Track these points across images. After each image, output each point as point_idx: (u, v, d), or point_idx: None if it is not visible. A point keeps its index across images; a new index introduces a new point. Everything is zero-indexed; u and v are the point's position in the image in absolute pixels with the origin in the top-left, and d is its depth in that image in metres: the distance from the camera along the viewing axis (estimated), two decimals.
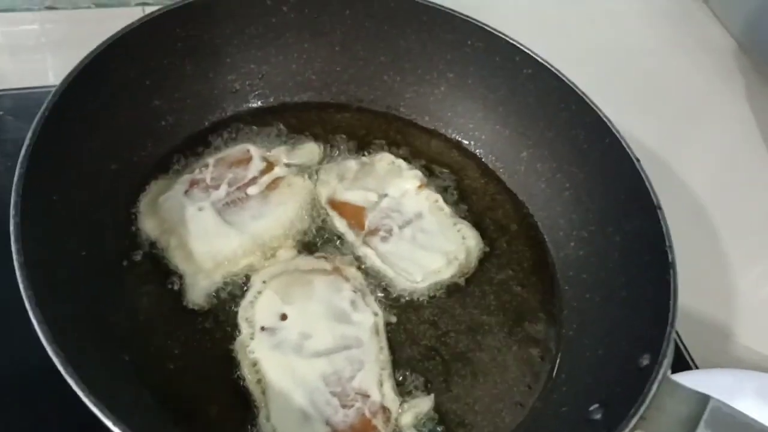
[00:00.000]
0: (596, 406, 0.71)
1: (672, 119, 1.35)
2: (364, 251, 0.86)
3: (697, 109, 1.41)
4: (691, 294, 0.97)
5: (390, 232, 0.88)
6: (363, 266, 0.85)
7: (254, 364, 0.74)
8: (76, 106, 0.75)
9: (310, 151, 0.94)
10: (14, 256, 0.61)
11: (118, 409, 0.55)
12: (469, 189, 0.96)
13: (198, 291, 0.78)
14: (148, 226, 0.82)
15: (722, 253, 1.20)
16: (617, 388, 0.71)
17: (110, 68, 0.80)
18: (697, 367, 1.02)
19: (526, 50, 0.91)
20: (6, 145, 1.01)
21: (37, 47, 1.21)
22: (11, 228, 0.62)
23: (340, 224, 0.88)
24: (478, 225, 0.92)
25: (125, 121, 0.84)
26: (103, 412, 0.54)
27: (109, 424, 0.54)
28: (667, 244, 0.76)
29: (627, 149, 0.83)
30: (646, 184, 0.81)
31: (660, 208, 0.78)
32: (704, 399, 0.64)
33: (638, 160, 0.83)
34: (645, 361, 0.69)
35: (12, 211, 0.63)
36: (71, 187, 0.74)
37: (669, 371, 0.68)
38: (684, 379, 0.71)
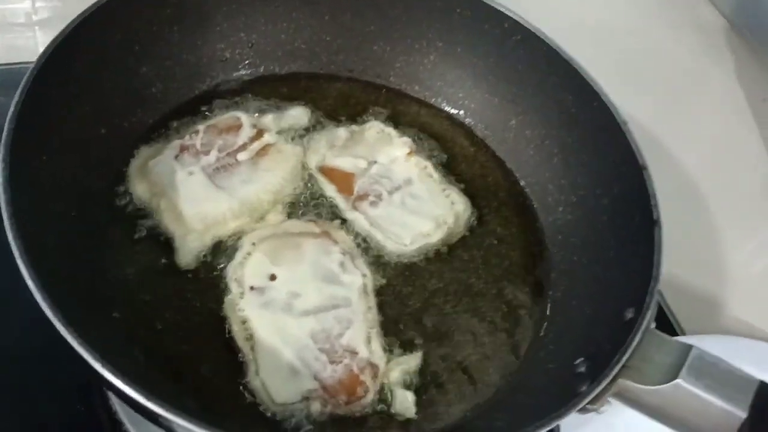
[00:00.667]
0: (581, 359, 0.72)
1: (663, 97, 1.36)
2: (353, 215, 0.87)
3: (687, 87, 1.41)
4: (682, 266, 0.99)
5: (379, 197, 0.89)
6: (352, 230, 0.85)
7: (243, 321, 0.74)
8: (64, 68, 0.76)
9: (298, 114, 0.94)
10: (3, 213, 0.61)
11: (111, 361, 0.56)
12: (459, 157, 0.97)
13: (188, 252, 0.79)
14: (139, 189, 0.82)
15: (714, 228, 1.21)
16: (603, 344, 0.71)
17: (97, 32, 0.80)
18: (684, 334, 1.03)
19: (514, 17, 0.92)
20: None
21: (28, 24, 1.22)
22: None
23: (329, 189, 0.89)
24: (467, 192, 0.93)
25: (113, 87, 0.85)
26: (97, 360, 0.55)
27: (104, 373, 0.55)
28: (653, 202, 0.77)
29: (614, 112, 0.84)
30: (633, 145, 0.81)
31: (646, 168, 0.79)
32: (687, 348, 0.64)
33: (625, 122, 0.83)
34: (629, 314, 0.70)
35: (0, 165, 0.63)
36: (60, 148, 0.75)
37: (653, 325, 0.69)
38: None
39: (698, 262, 1.15)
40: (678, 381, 0.62)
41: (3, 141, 0.65)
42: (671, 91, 1.39)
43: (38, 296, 0.57)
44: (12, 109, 0.68)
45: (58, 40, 0.74)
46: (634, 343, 0.65)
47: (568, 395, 0.65)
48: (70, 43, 0.76)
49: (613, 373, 0.63)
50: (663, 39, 1.48)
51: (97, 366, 0.55)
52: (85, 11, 0.78)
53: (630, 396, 0.64)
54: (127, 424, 0.79)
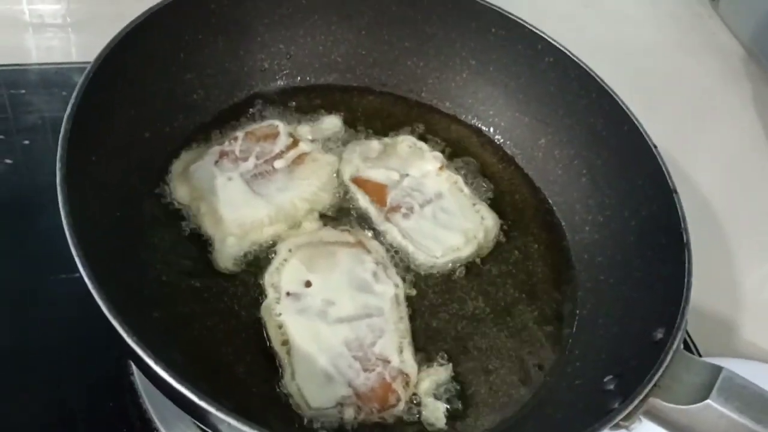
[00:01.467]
0: (610, 377, 0.73)
1: (679, 121, 1.38)
2: (385, 226, 0.88)
3: (704, 111, 1.44)
4: (696, 288, 1.00)
5: (411, 209, 0.90)
6: (384, 240, 0.87)
7: (280, 326, 0.76)
8: (116, 72, 0.78)
9: (332, 124, 0.97)
10: (61, 210, 0.63)
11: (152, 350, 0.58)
12: (487, 173, 0.99)
13: (226, 255, 0.81)
14: (180, 193, 0.84)
15: (729, 251, 1.22)
16: (632, 362, 0.73)
17: (147, 39, 0.83)
18: (700, 356, 1.04)
19: (548, 38, 0.94)
20: (28, 119, 1.04)
21: (62, 26, 1.24)
22: (57, 180, 0.64)
23: (362, 200, 0.91)
24: (495, 208, 0.95)
25: (158, 92, 0.87)
26: (142, 349, 0.57)
27: (149, 361, 0.56)
28: (683, 226, 0.78)
29: (645, 135, 0.86)
30: (663, 169, 0.83)
31: (676, 192, 0.81)
32: (716, 369, 0.66)
33: (655, 146, 0.86)
34: (659, 335, 0.72)
35: (58, 164, 0.65)
36: (108, 149, 0.77)
37: (681, 346, 0.71)
38: None
39: (713, 284, 1.16)
40: (708, 402, 0.63)
41: (60, 141, 0.67)
42: (688, 113, 1.41)
43: (94, 291, 0.59)
44: (69, 110, 0.70)
45: (113, 44, 0.77)
46: (666, 363, 0.66)
47: (599, 411, 0.67)
48: (123, 48, 0.78)
49: (645, 391, 0.65)
50: (681, 62, 1.50)
51: (148, 360, 0.56)
52: (137, 18, 0.81)
53: (660, 414, 0.66)
54: (157, 422, 0.81)
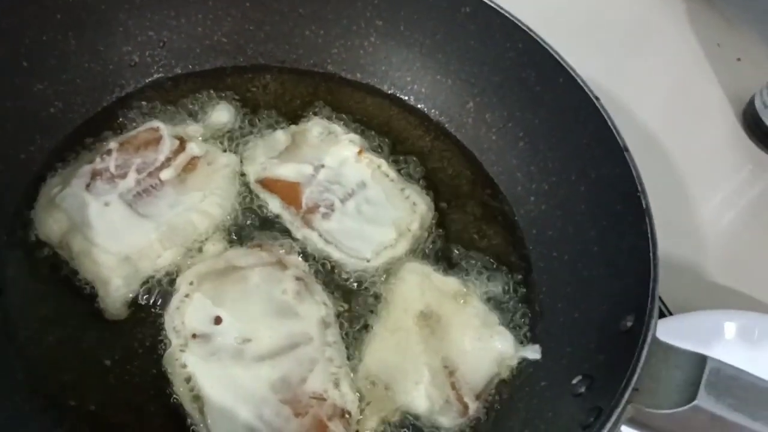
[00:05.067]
0: (579, 378, 0.64)
1: (613, 50, 1.29)
2: (303, 233, 0.76)
3: (638, 37, 1.34)
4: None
5: (331, 207, 0.78)
6: (305, 250, 0.75)
7: (188, 379, 0.64)
8: None
9: (224, 116, 0.83)
10: None
11: None
12: (414, 148, 0.87)
13: (114, 300, 0.68)
14: (48, 230, 0.70)
15: (679, 183, 1.15)
16: (601, 357, 0.64)
17: None
18: (671, 313, 0.97)
19: None
20: None
21: None
22: None
23: (273, 205, 0.78)
24: (427, 188, 0.83)
25: (2, 111, 0.71)
26: None
27: None
28: (640, 189, 0.68)
29: (584, 87, 0.75)
30: (609, 124, 0.73)
31: (627, 150, 0.71)
32: (701, 360, 0.57)
33: (597, 98, 0.75)
34: (628, 322, 0.63)
35: None
36: None
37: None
38: (662, 327, 0.63)
39: (669, 225, 1.09)
40: (697, 402, 0.54)
41: None
42: (621, 42, 1.32)
43: None
44: None
45: None
46: (642, 361, 0.57)
47: (573, 428, 0.57)
48: None
49: (624, 400, 0.55)
50: None
51: None
52: None
53: (643, 421, 0.57)
54: None
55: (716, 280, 1.05)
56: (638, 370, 0.57)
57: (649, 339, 0.58)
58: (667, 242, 1.00)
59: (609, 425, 0.54)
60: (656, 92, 1.25)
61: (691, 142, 1.19)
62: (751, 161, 1.19)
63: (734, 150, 1.21)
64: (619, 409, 0.55)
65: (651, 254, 0.64)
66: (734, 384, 0.55)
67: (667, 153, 1.17)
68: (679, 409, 0.55)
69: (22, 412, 0.60)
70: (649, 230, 0.66)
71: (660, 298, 0.93)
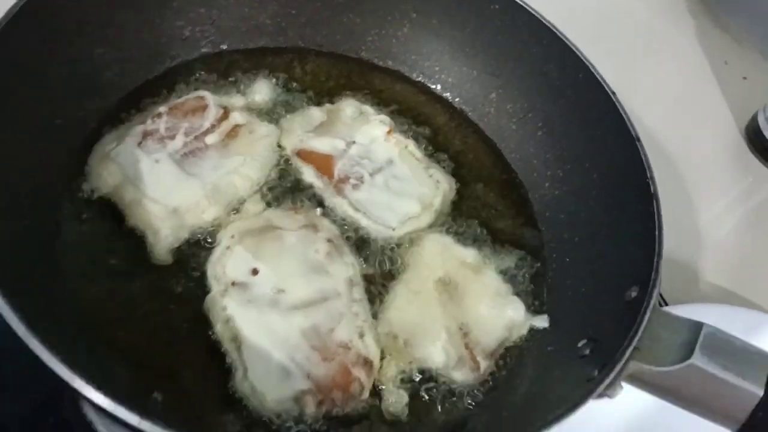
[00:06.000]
0: (584, 341, 0.69)
1: (624, 59, 1.33)
2: (335, 201, 0.82)
3: (649, 49, 1.40)
4: None
5: (361, 179, 0.84)
6: (335, 216, 0.81)
7: (227, 321, 0.69)
8: (9, 51, 0.68)
9: (265, 90, 0.89)
10: None
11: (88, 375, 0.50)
12: (439, 133, 0.93)
13: (162, 247, 0.73)
14: (101, 182, 0.75)
15: (683, 189, 1.20)
16: (606, 323, 0.69)
17: (42, 17, 0.72)
18: (666, 305, 1.02)
19: None
20: None
21: None
22: None
23: (308, 174, 0.83)
24: (450, 169, 0.89)
25: (66, 72, 0.77)
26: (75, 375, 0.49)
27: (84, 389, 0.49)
28: (649, 175, 0.74)
29: (602, 83, 0.81)
30: (624, 117, 0.79)
31: (639, 140, 0.77)
32: (697, 326, 0.62)
33: (614, 93, 0.81)
34: (633, 293, 0.68)
35: None
36: (10, 142, 0.67)
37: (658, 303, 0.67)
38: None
39: (670, 225, 1.15)
40: (692, 361, 0.60)
41: None
42: (632, 53, 1.37)
43: (8, 313, 0.51)
44: None
45: (3, 23, 0.66)
46: (644, 323, 0.62)
47: (578, 381, 0.63)
48: (16, 25, 0.68)
49: (626, 355, 0.61)
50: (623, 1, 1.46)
51: (76, 383, 0.49)
52: None
53: (643, 378, 0.62)
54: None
55: (713, 279, 1.10)
56: (640, 331, 0.62)
57: (652, 304, 0.64)
58: (669, 243, 1.06)
59: (612, 376, 0.60)
60: (665, 104, 1.31)
61: (695, 152, 1.25)
62: (752, 174, 1.25)
63: (736, 162, 1.26)
64: (621, 363, 0.60)
65: (657, 233, 0.70)
66: (727, 347, 0.61)
67: (673, 162, 1.23)
68: (676, 366, 0.60)
69: (73, 348, 0.65)
70: (655, 212, 0.72)
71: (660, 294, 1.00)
